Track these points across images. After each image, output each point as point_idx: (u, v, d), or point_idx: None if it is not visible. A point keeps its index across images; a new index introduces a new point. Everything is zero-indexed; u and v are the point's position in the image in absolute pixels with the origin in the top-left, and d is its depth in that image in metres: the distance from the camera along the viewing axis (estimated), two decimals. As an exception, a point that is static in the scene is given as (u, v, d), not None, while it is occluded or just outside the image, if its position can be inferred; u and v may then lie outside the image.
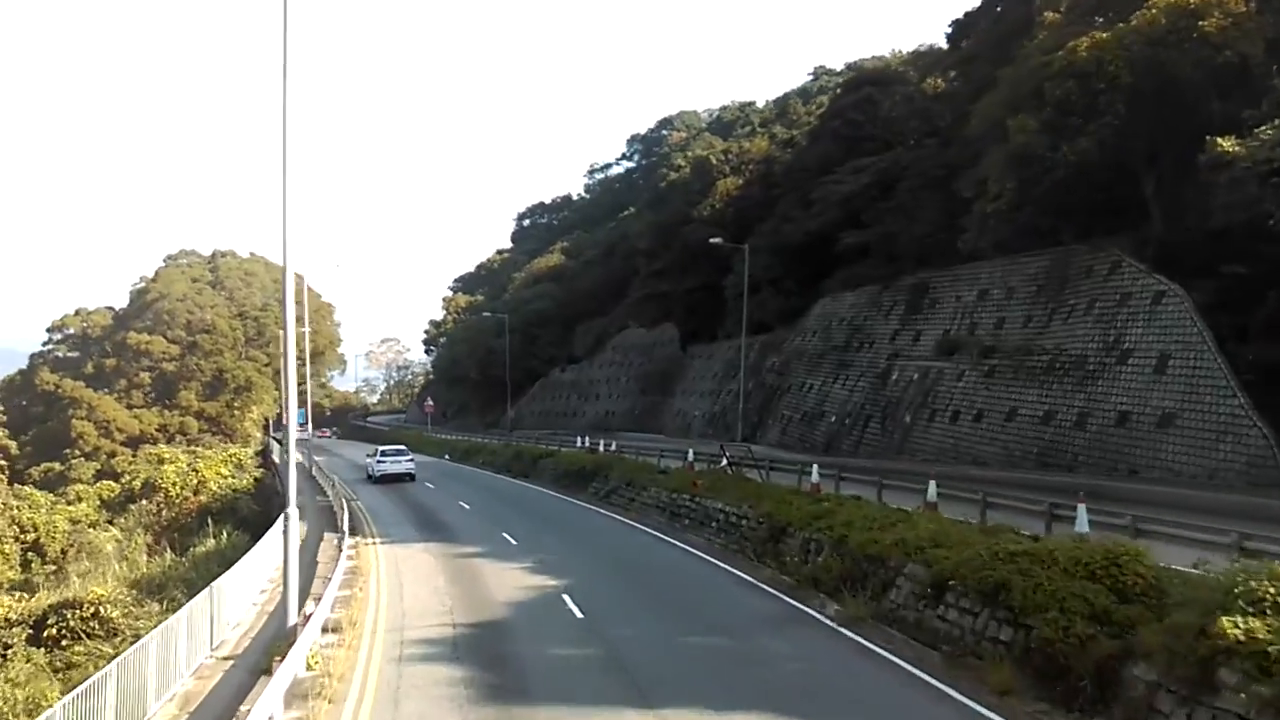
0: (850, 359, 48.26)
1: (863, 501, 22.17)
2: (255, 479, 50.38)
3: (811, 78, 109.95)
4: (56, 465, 76.32)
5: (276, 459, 64.76)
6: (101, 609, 27.73)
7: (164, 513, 47.17)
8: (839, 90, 62.26)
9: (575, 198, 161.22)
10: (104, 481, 64.13)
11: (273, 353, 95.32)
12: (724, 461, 31.36)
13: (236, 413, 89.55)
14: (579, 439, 49.05)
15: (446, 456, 65.80)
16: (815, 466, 25.80)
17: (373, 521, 33.40)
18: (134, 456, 73.97)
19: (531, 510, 35.28)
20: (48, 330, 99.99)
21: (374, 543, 28.10)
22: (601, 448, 43.71)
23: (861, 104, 54.78)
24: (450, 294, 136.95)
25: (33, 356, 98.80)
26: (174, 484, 47.16)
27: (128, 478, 66.32)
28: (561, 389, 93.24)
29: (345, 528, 27.17)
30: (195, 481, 47.43)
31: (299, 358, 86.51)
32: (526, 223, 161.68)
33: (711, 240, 54.82)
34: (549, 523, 31.71)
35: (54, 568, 48.37)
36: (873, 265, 49.02)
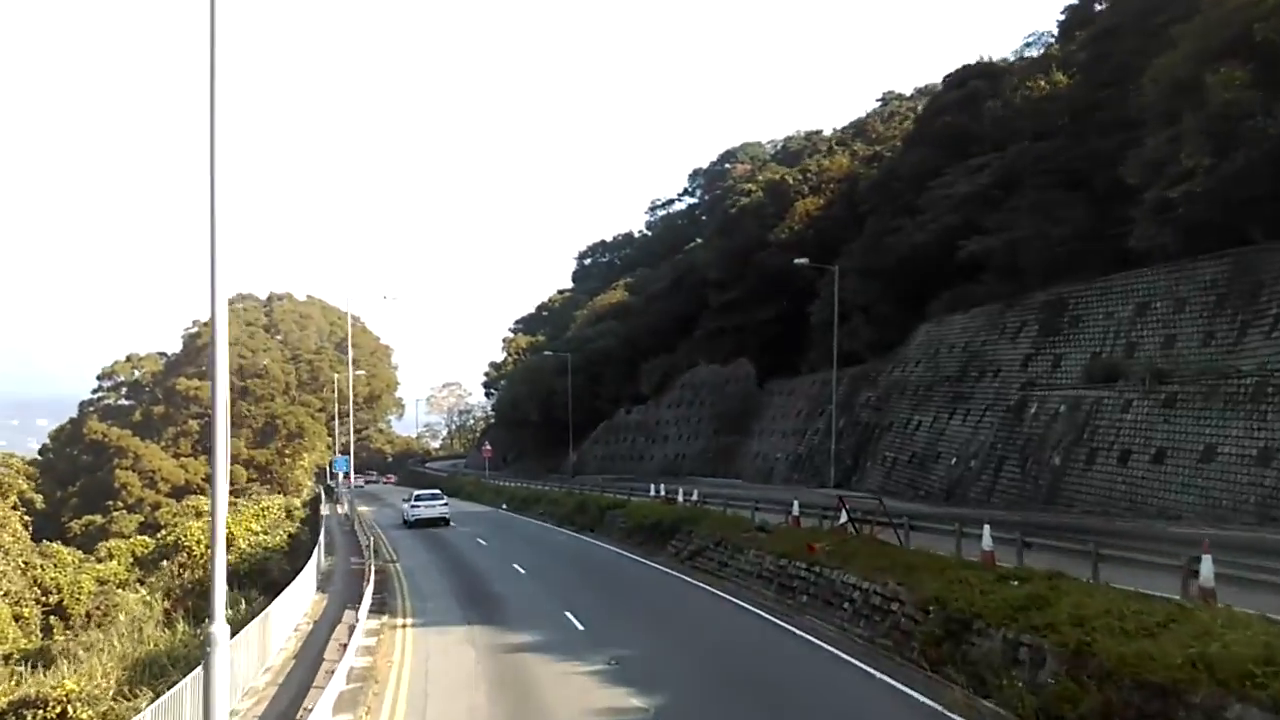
0: (968, 391, 41.20)
1: (1087, 585, 15.36)
2: (290, 535, 44.96)
3: (880, 103, 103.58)
4: (98, 518, 72.44)
5: (325, 510, 59.82)
6: (70, 708, 22.09)
7: (185, 575, 41.92)
8: (940, 86, 55.64)
9: (637, 235, 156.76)
10: (139, 537, 59.53)
11: (326, 397, 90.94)
12: (844, 518, 24.70)
13: (287, 460, 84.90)
14: (654, 487, 42.40)
15: (504, 506, 59.93)
16: (987, 527, 19.00)
17: (408, 591, 27.48)
18: (177, 509, 69.79)
19: (601, 577, 28.96)
20: (98, 377, 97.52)
21: (404, 624, 22.12)
22: (681, 497, 37.15)
23: (966, 101, 48.20)
24: (511, 335, 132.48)
25: (82, 405, 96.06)
26: (198, 542, 41.94)
27: (164, 532, 61.83)
28: (627, 431, 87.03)
29: (363, 612, 21.18)
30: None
31: (353, 402, 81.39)
32: (588, 262, 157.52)
33: (797, 261, 48.73)
34: (624, 597, 25.34)
35: (73, 634, 43.57)
36: (989, 283, 42.14)
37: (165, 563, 43.89)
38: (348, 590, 27.76)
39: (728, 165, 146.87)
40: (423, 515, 46.61)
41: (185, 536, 42.93)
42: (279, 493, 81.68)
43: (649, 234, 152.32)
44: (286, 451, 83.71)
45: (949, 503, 36.90)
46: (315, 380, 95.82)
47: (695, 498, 35.62)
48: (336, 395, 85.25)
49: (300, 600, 24.37)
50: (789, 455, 58.77)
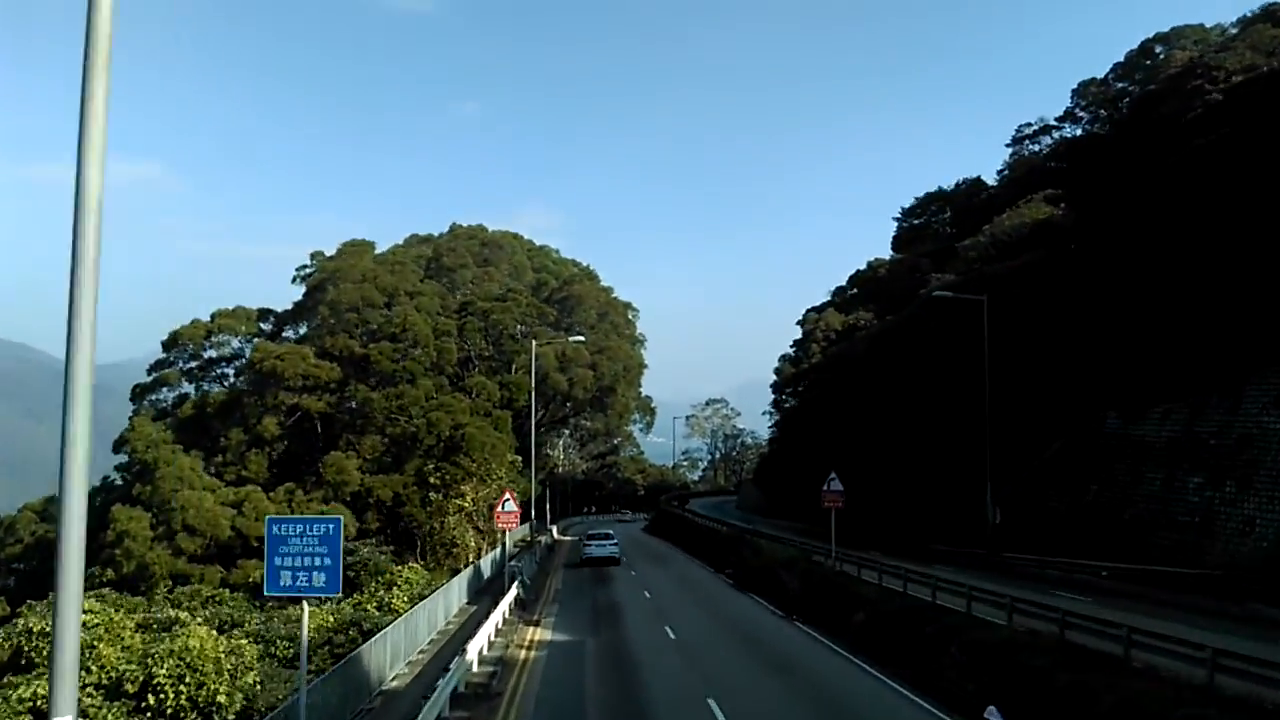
0: None
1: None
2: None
3: None
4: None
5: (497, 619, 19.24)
6: None
7: None
8: None
9: (992, 180, 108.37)
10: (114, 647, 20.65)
11: (517, 381, 51.03)
12: None
13: (434, 496, 44.13)
14: None
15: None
16: None
17: None
18: (196, 588, 32.41)
19: None
20: (164, 345, 63.23)
21: None
22: None
23: None
24: (814, 314, 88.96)
25: (135, 391, 61.91)
26: None
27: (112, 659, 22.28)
28: (1133, 458, 39.87)
29: None
30: None
31: (574, 395, 41.01)
32: (917, 221, 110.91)
33: None
34: None
35: None
36: None
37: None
38: None
39: (1148, 61, 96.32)
40: (594, 554, 50.45)
41: None
42: (420, 560, 42.41)
43: (1009, 174, 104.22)
44: (433, 480, 43.45)
45: None
46: (500, 352, 55.94)
47: None
48: (533, 373, 44.96)
49: None
50: None
